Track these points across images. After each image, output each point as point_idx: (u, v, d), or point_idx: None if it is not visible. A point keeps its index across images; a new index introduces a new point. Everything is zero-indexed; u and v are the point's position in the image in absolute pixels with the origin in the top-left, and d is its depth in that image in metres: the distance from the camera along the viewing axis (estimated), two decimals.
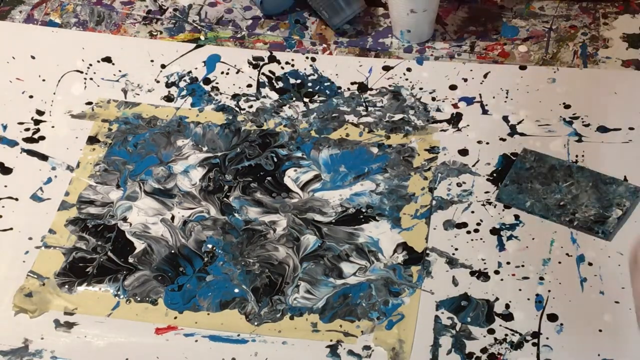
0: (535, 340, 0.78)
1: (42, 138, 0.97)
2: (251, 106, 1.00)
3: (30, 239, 0.88)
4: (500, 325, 0.79)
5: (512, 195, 0.88)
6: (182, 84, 1.02)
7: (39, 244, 0.87)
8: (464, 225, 0.87)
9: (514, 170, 0.90)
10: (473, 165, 0.92)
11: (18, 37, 1.09)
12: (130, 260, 0.86)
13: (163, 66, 1.05)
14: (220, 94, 1.01)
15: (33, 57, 1.06)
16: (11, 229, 0.89)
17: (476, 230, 0.86)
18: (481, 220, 0.87)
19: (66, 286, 0.84)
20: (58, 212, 0.90)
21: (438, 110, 0.98)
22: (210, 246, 0.86)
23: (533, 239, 0.85)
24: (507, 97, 0.98)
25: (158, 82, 1.03)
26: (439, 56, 1.04)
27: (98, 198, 0.91)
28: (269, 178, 0.92)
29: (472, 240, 0.86)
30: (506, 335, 0.79)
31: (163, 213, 0.89)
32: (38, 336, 0.80)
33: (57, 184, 0.92)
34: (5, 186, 0.92)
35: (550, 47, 1.04)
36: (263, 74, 1.03)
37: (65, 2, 1.13)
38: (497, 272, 0.83)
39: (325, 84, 1.02)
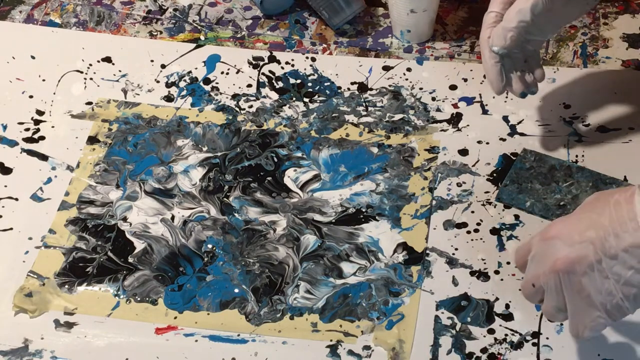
0: (535, 340, 0.78)
1: (42, 138, 0.97)
2: (251, 106, 1.00)
3: (30, 239, 0.88)
4: (500, 325, 0.79)
5: (512, 195, 0.88)
6: (182, 84, 1.02)
7: (39, 244, 0.87)
8: (464, 225, 0.87)
9: (514, 170, 0.90)
10: (473, 165, 0.92)
11: (18, 37, 1.09)
12: (130, 260, 0.86)
13: (163, 66, 1.05)
14: (220, 94, 1.01)
15: (33, 57, 1.06)
16: (11, 229, 0.89)
17: (476, 230, 0.86)
18: (481, 220, 0.87)
19: (66, 286, 0.84)
20: (58, 212, 0.90)
21: (438, 110, 0.98)
22: (210, 246, 0.86)
23: None
24: (507, 97, 0.98)
25: (158, 82, 1.03)
26: (439, 56, 1.04)
27: (98, 198, 0.91)
28: (269, 178, 0.92)
29: (472, 240, 0.86)
30: (506, 335, 0.79)
31: (163, 213, 0.89)
32: (38, 336, 0.80)
33: (57, 184, 0.92)
34: (5, 186, 0.92)
35: (550, 47, 1.04)
36: (263, 74, 1.03)
37: (65, 2, 1.13)
38: (497, 272, 0.83)
39: (325, 84, 1.02)
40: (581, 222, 0.64)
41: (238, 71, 1.04)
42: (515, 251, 0.72)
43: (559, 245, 0.65)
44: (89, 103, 1.01)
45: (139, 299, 0.83)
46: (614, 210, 0.62)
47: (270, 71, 1.04)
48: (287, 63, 1.04)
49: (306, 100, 1.00)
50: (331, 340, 0.79)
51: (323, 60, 1.04)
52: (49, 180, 0.93)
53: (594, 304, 0.64)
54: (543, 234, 0.67)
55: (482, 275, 0.83)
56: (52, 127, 0.98)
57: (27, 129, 0.98)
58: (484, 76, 1.01)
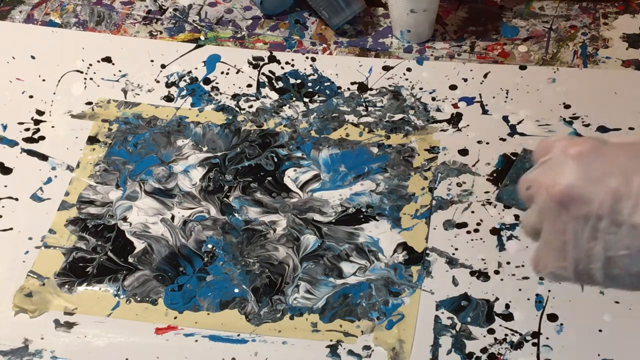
0: (535, 340, 0.78)
1: (42, 138, 0.97)
2: (251, 106, 1.00)
3: (30, 239, 0.88)
4: (500, 325, 0.79)
5: (512, 195, 0.88)
6: (182, 84, 1.02)
7: (39, 244, 0.87)
8: (464, 225, 0.87)
9: (514, 170, 0.90)
10: (473, 165, 0.92)
11: (18, 37, 1.09)
12: (130, 260, 0.86)
13: (163, 66, 1.05)
14: (220, 94, 1.01)
15: (33, 57, 1.06)
16: (11, 229, 0.89)
17: (476, 230, 0.86)
18: (481, 220, 0.87)
19: (66, 286, 0.84)
20: (58, 212, 0.90)
21: (438, 110, 0.98)
22: (210, 246, 0.86)
23: None
24: (507, 97, 0.98)
25: (158, 82, 1.03)
26: (439, 56, 1.04)
27: (98, 198, 0.91)
28: (269, 178, 0.92)
29: (472, 240, 0.86)
30: (506, 335, 0.79)
31: (163, 213, 0.89)
32: (38, 336, 0.80)
33: (57, 184, 0.92)
34: (5, 186, 0.92)
35: (550, 47, 1.04)
36: (263, 74, 1.03)
37: (65, 2, 1.13)
38: (497, 272, 0.83)
39: (325, 84, 1.02)
40: (615, 157, 0.49)
41: (238, 71, 1.04)
42: (538, 144, 0.55)
43: (573, 169, 0.50)
44: (89, 103, 1.01)
45: (139, 299, 0.83)
46: None
47: (270, 71, 1.04)
48: (287, 63, 1.04)
49: (306, 100, 1.00)
50: (331, 340, 0.79)
51: (323, 60, 1.04)
52: (49, 180, 0.93)
53: (567, 255, 0.51)
54: (570, 142, 0.51)
55: (482, 275, 0.83)
56: (52, 127, 0.98)
57: (27, 129, 0.98)
58: (484, 76, 1.01)
